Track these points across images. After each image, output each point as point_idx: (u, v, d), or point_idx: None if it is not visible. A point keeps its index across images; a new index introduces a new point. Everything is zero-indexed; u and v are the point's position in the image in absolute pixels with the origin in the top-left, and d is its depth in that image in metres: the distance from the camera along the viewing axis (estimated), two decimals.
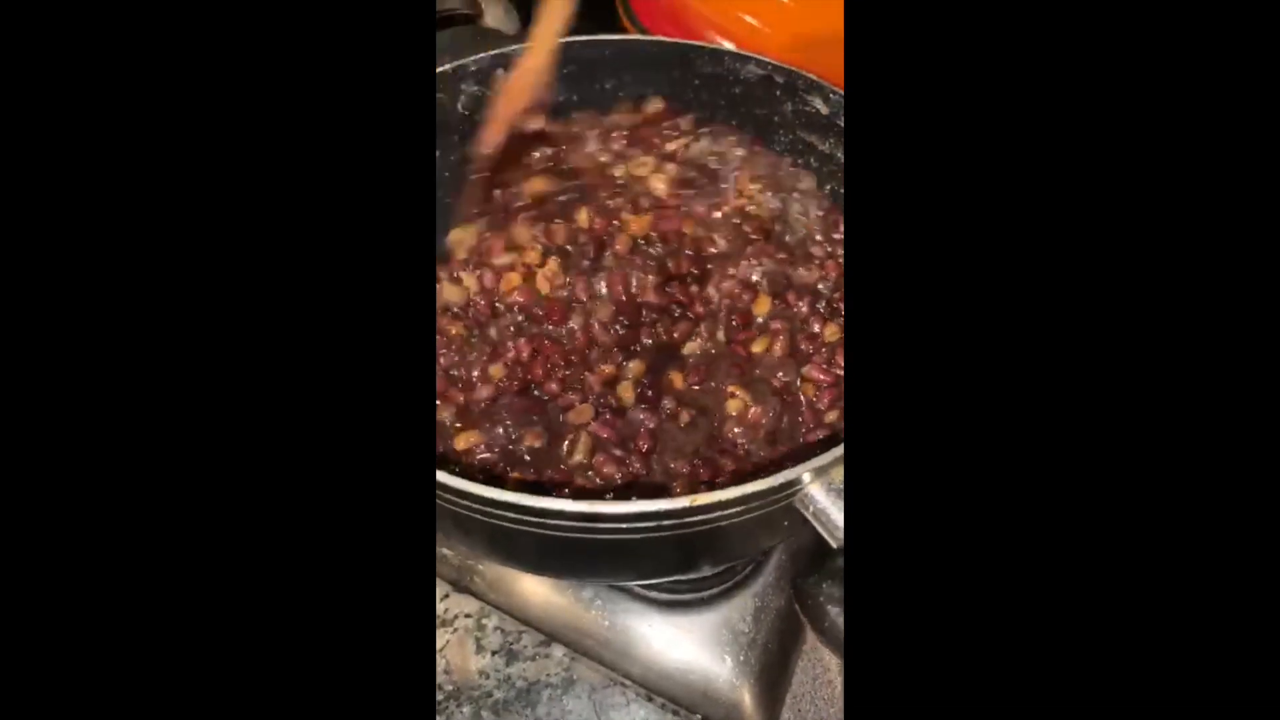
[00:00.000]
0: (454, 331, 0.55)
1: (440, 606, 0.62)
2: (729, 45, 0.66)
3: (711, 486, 0.43)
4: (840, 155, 0.59)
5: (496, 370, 0.53)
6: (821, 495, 0.36)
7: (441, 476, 0.36)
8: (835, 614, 0.33)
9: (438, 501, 0.38)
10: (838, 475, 0.36)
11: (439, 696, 0.59)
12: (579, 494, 0.47)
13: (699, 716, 0.59)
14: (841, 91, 0.57)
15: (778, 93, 0.61)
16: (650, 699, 0.59)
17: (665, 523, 0.35)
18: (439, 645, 0.61)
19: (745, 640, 0.61)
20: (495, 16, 0.85)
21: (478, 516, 0.37)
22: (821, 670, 0.64)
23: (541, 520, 0.36)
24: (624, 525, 0.36)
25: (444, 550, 0.65)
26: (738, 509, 0.36)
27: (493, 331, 0.55)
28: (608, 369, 0.53)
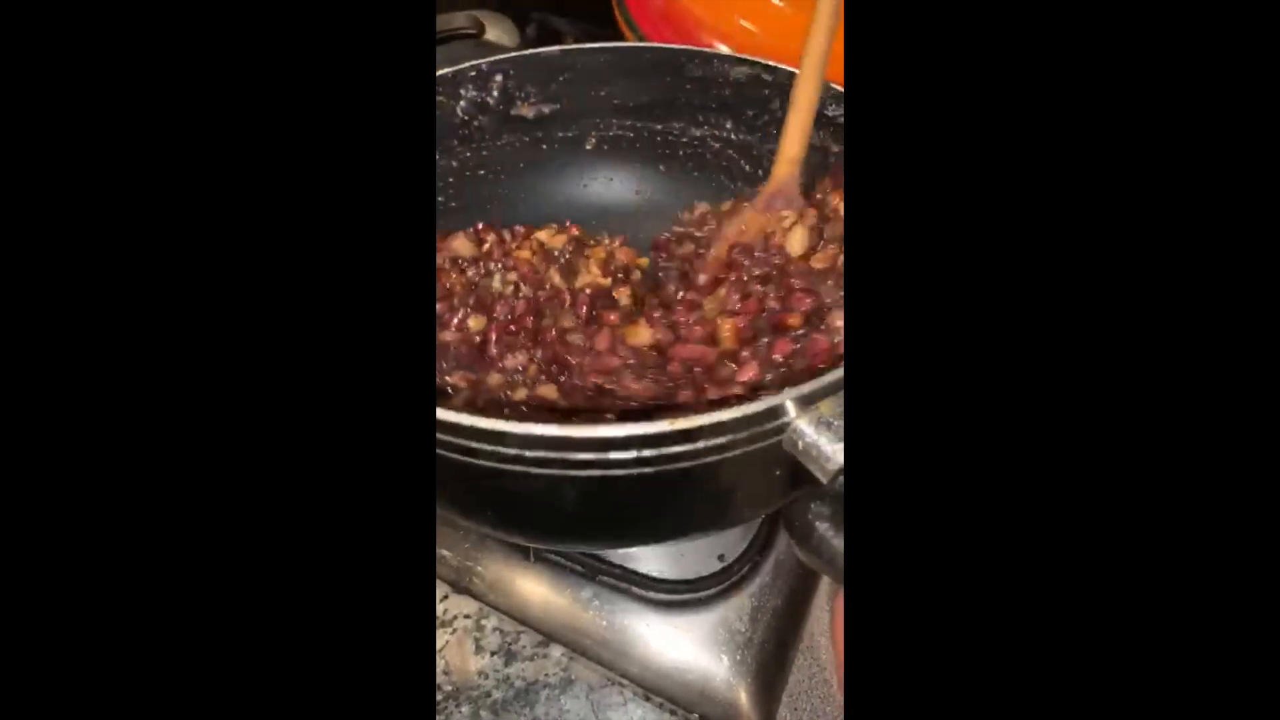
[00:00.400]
0: (454, 276, 0.55)
1: (440, 607, 0.63)
2: (723, 48, 0.67)
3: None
4: (830, 146, 0.60)
5: (477, 323, 0.52)
6: (810, 429, 0.36)
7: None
8: (823, 529, 0.32)
9: None
10: (825, 408, 0.36)
11: (438, 696, 0.59)
12: None
13: (696, 716, 0.58)
14: (829, 85, 0.58)
15: (766, 91, 0.62)
16: (648, 698, 0.59)
17: (646, 453, 0.35)
18: (438, 646, 0.61)
19: (742, 640, 0.60)
20: (497, 33, 0.87)
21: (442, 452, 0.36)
22: (818, 669, 0.63)
23: (520, 451, 0.35)
24: (599, 456, 0.35)
25: (443, 551, 0.65)
26: (721, 439, 0.35)
27: (495, 282, 0.55)
28: (533, 368, 0.52)
